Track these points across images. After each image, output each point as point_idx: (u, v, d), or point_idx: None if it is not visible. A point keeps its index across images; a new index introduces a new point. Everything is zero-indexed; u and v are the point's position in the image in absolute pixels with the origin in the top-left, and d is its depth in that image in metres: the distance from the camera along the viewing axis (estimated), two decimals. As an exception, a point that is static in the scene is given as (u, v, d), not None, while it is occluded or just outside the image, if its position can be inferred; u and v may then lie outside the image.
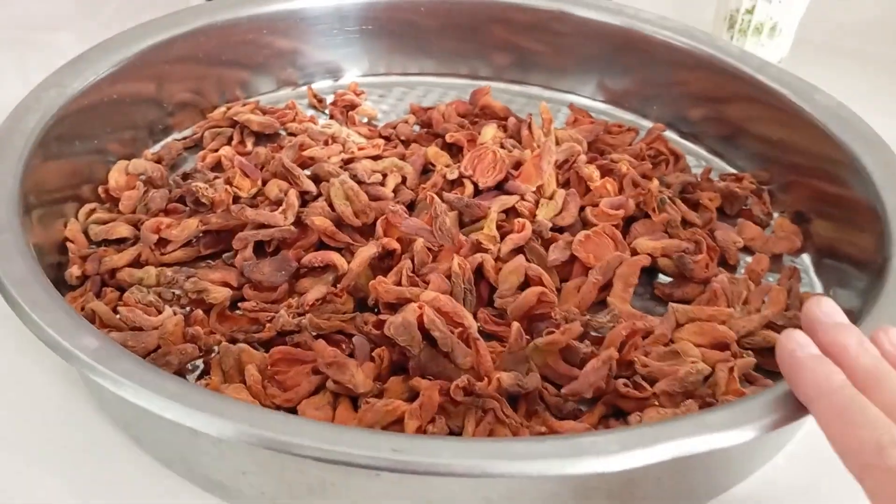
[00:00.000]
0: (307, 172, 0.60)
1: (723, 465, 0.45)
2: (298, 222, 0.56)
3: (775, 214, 0.64)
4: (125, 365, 0.39)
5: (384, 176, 0.61)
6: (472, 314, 0.50)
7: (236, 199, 0.58)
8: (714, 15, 0.81)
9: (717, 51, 0.68)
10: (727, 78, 0.67)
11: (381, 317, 0.49)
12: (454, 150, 0.66)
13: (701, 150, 0.71)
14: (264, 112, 0.69)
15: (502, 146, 0.63)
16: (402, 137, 0.68)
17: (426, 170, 0.64)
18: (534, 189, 0.59)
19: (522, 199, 0.59)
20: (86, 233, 0.57)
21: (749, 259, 0.59)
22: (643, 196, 0.60)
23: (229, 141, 0.67)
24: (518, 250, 0.55)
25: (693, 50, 0.69)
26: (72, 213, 0.58)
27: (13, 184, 0.50)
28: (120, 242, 0.56)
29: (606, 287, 0.55)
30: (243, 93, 0.72)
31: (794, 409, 0.39)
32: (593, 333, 0.51)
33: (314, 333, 0.50)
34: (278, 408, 0.46)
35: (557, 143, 0.63)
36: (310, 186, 0.59)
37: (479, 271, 0.54)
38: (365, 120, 0.72)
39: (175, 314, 0.50)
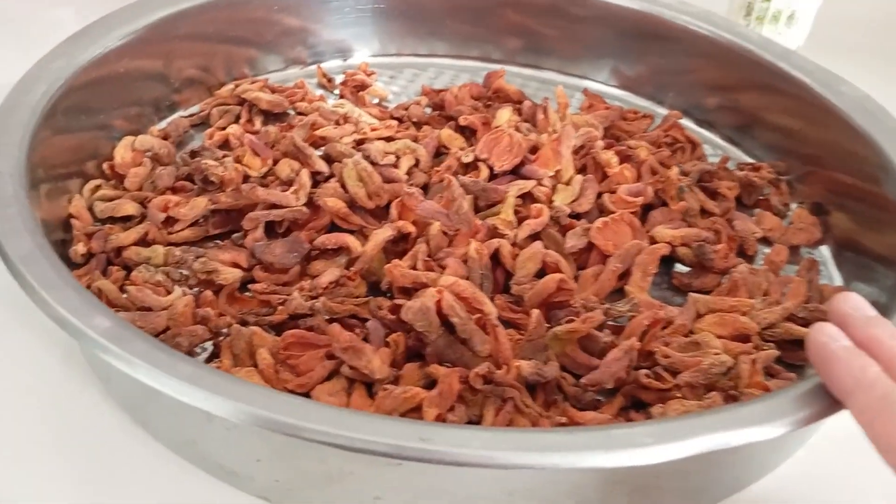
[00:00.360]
0: (319, 152, 0.58)
1: (751, 459, 0.44)
2: (310, 203, 0.55)
3: (793, 205, 0.63)
4: (139, 345, 0.38)
5: (397, 158, 0.60)
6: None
7: (246, 178, 0.57)
8: (730, 2, 0.80)
9: (738, 37, 0.67)
10: (747, 65, 0.66)
11: (397, 301, 0.48)
12: (467, 133, 0.64)
13: (716, 139, 0.70)
14: (273, 90, 0.67)
15: (517, 130, 0.62)
16: (414, 119, 0.66)
17: (439, 153, 0.63)
18: (551, 174, 0.58)
19: (539, 184, 0.58)
20: (90, 210, 0.55)
21: (767, 250, 0.58)
22: (662, 184, 0.59)
23: (237, 119, 0.65)
24: (535, 236, 0.54)
25: (713, 36, 0.68)
26: (76, 190, 0.56)
27: (20, 156, 0.48)
28: (126, 220, 0.55)
29: (624, 275, 0.54)
30: (251, 71, 0.70)
31: (830, 402, 0.38)
32: (611, 322, 0.50)
33: (328, 317, 0.48)
34: (291, 393, 0.44)
35: (575, 128, 0.62)
36: (322, 167, 0.57)
37: (494, 257, 0.52)
38: (375, 101, 0.70)
39: (185, 294, 0.49)
